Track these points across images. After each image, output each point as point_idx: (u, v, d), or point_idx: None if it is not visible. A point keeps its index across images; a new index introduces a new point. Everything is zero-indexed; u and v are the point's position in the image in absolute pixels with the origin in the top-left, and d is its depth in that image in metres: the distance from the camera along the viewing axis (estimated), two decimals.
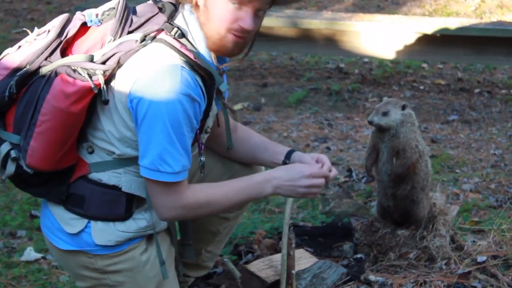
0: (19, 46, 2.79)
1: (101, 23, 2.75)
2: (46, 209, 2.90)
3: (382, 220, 3.90)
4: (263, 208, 4.64)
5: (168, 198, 2.73)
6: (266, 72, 7.68)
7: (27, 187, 2.87)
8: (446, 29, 6.73)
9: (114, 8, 2.75)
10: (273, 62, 8.00)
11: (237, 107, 6.72)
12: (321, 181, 2.88)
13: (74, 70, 2.62)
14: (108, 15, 2.74)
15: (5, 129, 2.76)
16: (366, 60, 7.80)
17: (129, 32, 2.72)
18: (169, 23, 2.71)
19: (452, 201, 4.58)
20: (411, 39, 6.81)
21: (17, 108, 2.71)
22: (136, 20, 2.74)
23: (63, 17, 2.77)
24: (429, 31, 6.73)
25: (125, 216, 2.84)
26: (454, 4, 9.25)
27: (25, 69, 2.69)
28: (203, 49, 2.75)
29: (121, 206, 2.81)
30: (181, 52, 2.64)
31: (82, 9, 2.90)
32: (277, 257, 3.44)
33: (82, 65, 2.63)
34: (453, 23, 6.94)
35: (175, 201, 2.74)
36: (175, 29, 2.70)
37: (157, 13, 2.75)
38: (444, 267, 3.66)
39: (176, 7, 2.77)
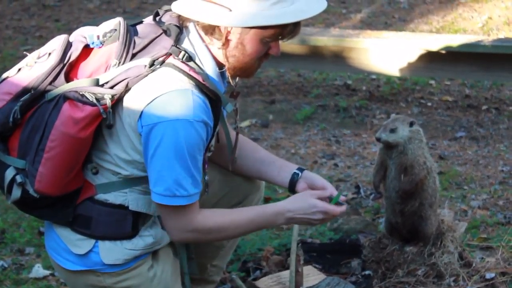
0: (19, 69, 2.77)
1: (102, 44, 2.74)
2: (51, 231, 2.89)
3: (390, 236, 3.90)
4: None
5: (179, 221, 2.74)
6: (274, 89, 7.69)
7: (32, 211, 2.86)
8: (453, 46, 6.73)
9: (115, 29, 2.73)
10: (280, 78, 8.01)
11: (245, 123, 6.73)
12: (332, 216, 2.95)
13: (82, 95, 2.62)
14: (110, 37, 2.73)
15: (9, 153, 2.74)
16: (373, 76, 7.81)
17: (133, 55, 2.71)
18: (176, 46, 2.71)
19: (460, 218, 4.58)
20: (418, 55, 6.82)
21: (22, 133, 2.69)
22: (139, 42, 2.73)
23: (62, 40, 2.75)
24: (437, 48, 6.74)
25: (132, 234, 2.84)
26: (461, 21, 9.26)
27: (29, 94, 2.67)
28: (210, 71, 2.76)
29: (128, 224, 2.82)
30: (190, 75, 2.65)
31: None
32: (286, 273, 3.45)
33: (89, 90, 2.62)
34: (460, 40, 6.94)
35: (186, 225, 2.75)
36: (183, 52, 2.70)
37: (160, 35, 2.74)
38: (452, 284, 3.66)
39: (180, 29, 2.77)
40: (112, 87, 2.65)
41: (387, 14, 9.83)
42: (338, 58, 7.18)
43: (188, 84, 2.64)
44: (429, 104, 7.15)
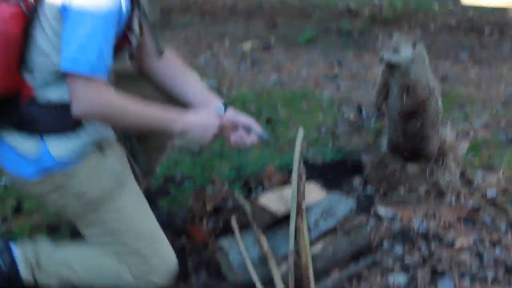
0: None
1: None
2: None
3: (392, 156, 3.92)
4: (273, 145, 4.66)
5: (87, 92, 2.69)
6: (276, 13, 7.64)
7: None
8: None
9: None
10: (282, 1, 7.96)
11: (246, 46, 6.70)
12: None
13: None
14: None
15: None
16: (376, 1, 7.76)
17: None
18: None
19: (462, 138, 4.59)
20: None
21: None
22: None
23: None
24: None
25: (76, 125, 2.83)
26: None
27: None
28: None
29: (71, 117, 2.80)
30: None
31: None
32: (288, 191, 3.46)
33: None
34: None
35: (94, 98, 2.70)
36: None
37: None
38: (453, 201, 3.69)
39: None
40: None
41: None
42: None
43: None
44: (432, 27, 7.11)
